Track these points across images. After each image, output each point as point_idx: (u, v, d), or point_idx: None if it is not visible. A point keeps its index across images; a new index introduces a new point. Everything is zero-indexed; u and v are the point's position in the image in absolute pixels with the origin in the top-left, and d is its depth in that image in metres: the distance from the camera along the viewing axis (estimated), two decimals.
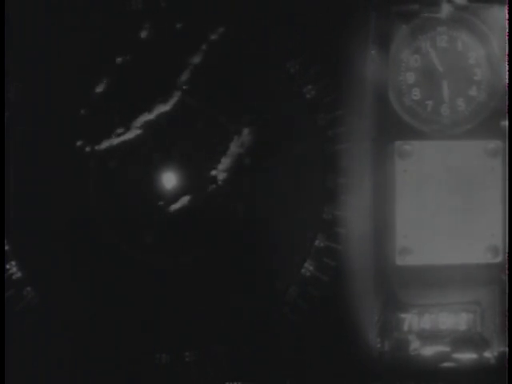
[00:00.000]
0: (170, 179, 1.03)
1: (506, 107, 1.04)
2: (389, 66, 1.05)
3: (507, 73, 1.04)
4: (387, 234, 1.06)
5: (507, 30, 1.03)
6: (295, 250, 1.05)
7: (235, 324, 1.05)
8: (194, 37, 1.03)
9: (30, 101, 1.02)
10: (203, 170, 1.04)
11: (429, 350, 1.08)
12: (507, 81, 1.04)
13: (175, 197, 1.03)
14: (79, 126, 1.02)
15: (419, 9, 1.05)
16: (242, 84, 1.04)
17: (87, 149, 1.02)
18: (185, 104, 1.03)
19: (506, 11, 1.04)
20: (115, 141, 1.02)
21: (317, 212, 1.05)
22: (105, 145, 1.02)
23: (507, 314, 1.02)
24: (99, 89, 1.02)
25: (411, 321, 1.07)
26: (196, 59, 1.03)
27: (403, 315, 1.07)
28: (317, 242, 1.05)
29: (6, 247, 1.01)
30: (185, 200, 1.03)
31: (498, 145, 1.07)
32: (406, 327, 1.08)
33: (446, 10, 1.05)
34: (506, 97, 1.04)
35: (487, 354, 1.08)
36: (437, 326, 1.08)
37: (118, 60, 1.02)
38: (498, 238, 1.07)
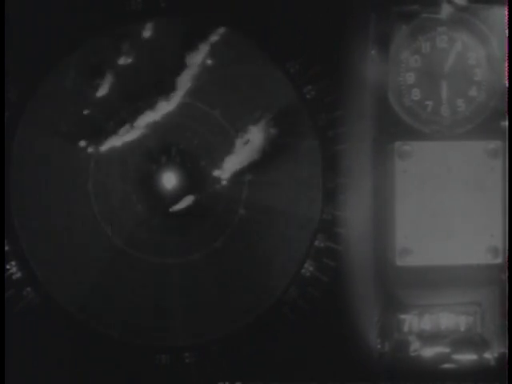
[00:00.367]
0: (170, 179, 1.03)
1: (506, 107, 1.04)
2: (389, 66, 1.05)
3: (507, 73, 1.04)
4: (387, 234, 1.06)
5: (507, 31, 1.03)
6: (295, 250, 1.05)
7: (235, 324, 1.05)
8: (193, 37, 1.03)
9: (30, 101, 1.02)
10: (204, 170, 1.04)
11: (429, 351, 1.08)
12: (507, 81, 1.04)
13: (176, 197, 1.03)
14: (79, 125, 1.02)
15: (419, 9, 1.05)
16: (242, 84, 1.04)
17: (87, 148, 1.02)
18: (187, 104, 1.03)
19: (506, 12, 1.04)
20: (117, 141, 1.02)
21: (317, 212, 1.05)
22: (106, 145, 1.02)
23: (507, 314, 1.02)
24: (100, 88, 1.02)
25: (411, 321, 1.07)
26: (196, 59, 1.03)
27: (403, 316, 1.07)
28: (317, 242, 1.05)
29: (6, 247, 1.01)
30: (185, 200, 1.03)
31: (498, 145, 1.07)
32: (406, 328, 1.07)
33: (445, 10, 1.05)
34: (506, 97, 1.04)
35: (487, 355, 1.08)
36: (437, 327, 1.08)
37: (118, 59, 1.02)
38: (498, 239, 1.07)
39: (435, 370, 1.07)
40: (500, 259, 1.07)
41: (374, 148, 1.06)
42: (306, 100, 1.04)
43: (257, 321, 1.05)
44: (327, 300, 1.05)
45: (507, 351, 1.04)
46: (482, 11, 1.06)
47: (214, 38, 1.03)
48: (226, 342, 1.05)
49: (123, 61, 1.02)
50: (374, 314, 1.07)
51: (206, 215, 1.04)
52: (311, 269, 1.05)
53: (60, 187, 1.02)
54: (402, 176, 1.06)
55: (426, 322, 1.08)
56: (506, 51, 1.03)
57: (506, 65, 1.04)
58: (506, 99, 1.04)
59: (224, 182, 1.04)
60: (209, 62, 1.03)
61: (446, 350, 1.08)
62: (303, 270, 1.05)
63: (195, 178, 1.04)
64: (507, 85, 1.04)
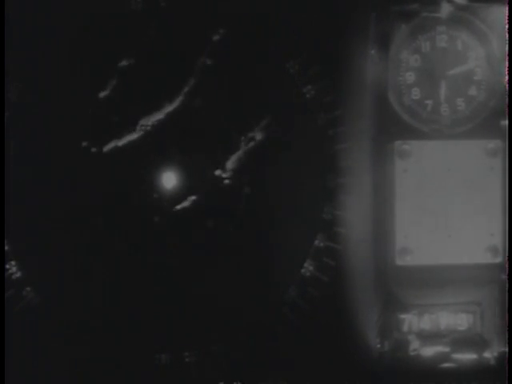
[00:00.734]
0: (172, 179, 1.03)
1: (506, 107, 1.04)
2: (388, 65, 1.05)
3: (507, 72, 1.04)
4: (387, 233, 1.06)
5: (507, 30, 1.03)
6: (295, 249, 1.05)
7: (235, 324, 1.05)
8: (193, 37, 1.03)
9: (30, 101, 1.02)
10: (204, 170, 1.04)
11: (428, 351, 1.08)
12: (507, 80, 1.04)
13: (177, 197, 1.03)
14: (79, 125, 1.02)
15: (419, 8, 1.05)
16: (242, 84, 1.04)
17: (88, 149, 1.02)
18: (189, 104, 1.03)
19: (506, 11, 1.04)
20: (118, 141, 1.02)
21: (317, 212, 1.05)
22: (107, 145, 1.02)
23: (507, 314, 1.02)
24: (100, 88, 1.02)
25: (411, 321, 1.07)
26: (196, 59, 1.03)
27: (403, 315, 1.07)
28: (317, 242, 1.05)
29: (6, 247, 1.01)
30: (185, 200, 1.03)
31: (497, 144, 1.07)
32: (405, 327, 1.08)
33: (445, 9, 1.05)
34: (506, 96, 1.04)
35: (487, 355, 1.08)
36: (437, 327, 1.08)
37: (118, 59, 1.02)
38: (498, 238, 1.07)
39: (435, 370, 1.08)
40: (500, 258, 1.07)
41: (374, 147, 1.06)
42: (306, 99, 1.04)
43: (257, 321, 1.05)
44: (327, 300, 1.05)
45: (507, 350, 1.04)
46: (481, 10, 1.06)
47: (214, 38, 1.03)
48: (226, 341, 1.05)
49: (126, 61, 1.02)
50: (373, 313, 1.07)
51: (203, 215, 1.04)
52: (311, 268, 1.05)
53: (60, 186, 1.02)
54: (401, 175, 1.06)
55: (426, 322, 1.08)
56: (506, 50, 1.04)
57: (506, 64, 1.05)
58: (506, 98, 1.04)
59: (226, 181, 1.03)
60: (208, 62, 1.03)
61: (446, 349, 1.08)
62: (303, 270, 1.05)
63: (197, 178, 1.04)
64: (507, 84, 1.04)
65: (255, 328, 1.05)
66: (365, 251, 1.05)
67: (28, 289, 1.02)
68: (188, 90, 1.03)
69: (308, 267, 1.05)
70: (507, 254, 1.05)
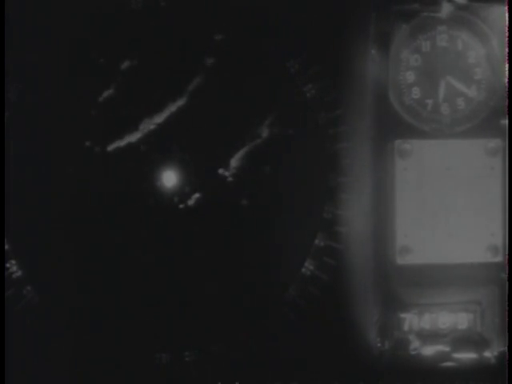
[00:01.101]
0: (173, 178, 1.03)
1: (506, 106, 1.04)
2: (389, 65, 1.05)
3: (507, 72, 1.04)
4: (387, 232, 1.06)
5: (507, 30, 1.03)
6: (295, 249, 1.05)
7: (235, 324, 1.05)
8: (193, 37, 1.03)
9: (30, 101, 1.02)
10: (205, 169, 1.04)
11: (429, 350, 1.08)
12: (507, 80, 1.04)
13: (176, 196, 1.03)
14: (80, 125, 1.02)
15: (419, 8, 1.05)
16: (242, 84, 1.04)
17: (88, 149, 1.02)
18: (188, 105, 1.03)
19: (506, 10, 1.04)
20: (120, 141, 1.02)
21: (317, 211, 1.05)
22: (108, 144, 1.02)
23: (507, 313, 1.02)
24: (100, 88, 1.02)
25: (411, 320, 1.08)
26: (196, 59, 1.03)
27: (403, 314, 1.07)
28: (317, 241, 1.05)
29: (6, 246, 1.01)
30: (185, 199, 1.03)
31: (497, 144, 1.07)
32: (406, 327, 1.08)
33: (446, 9, 1.06)
34: (506, 96, 1.04)
35: (487, 354, 1.08)
36: (437, 326, 1.08)
37: (118, 59, 1.02)
38: (498, 238, 1.07)
39: (435, 369, 1.08)
40: (500, 258, 1.07)
41: (374, 146, 1.06)
42: (306, 99, 1.05)
43: (257, 320, 1.05)
44: (327, 299, 1.05)
45: (507, 350, 1.04)
46: (482, 10, 1.06)
47: (214, 38, 1.03)
48: (226, 341, 1.05)
49: (126, 61, 1.02)
50: (374, 312, 1.07)
51: (203, 215, 1.04)
52: (311, 268, 1.05)
53: (60, 186, 1.02)
54: (402, 174, 1.06)
55: (426, 321, 1.08)
56: (506, 50, 1.04)
57: (506, 64, 1.05)
58: (506, 98, 1.04)
59: (227, 180, 1.03)
60: (210, 61, 1.03)
61: (446, 348, 1.08)
62: (303, 269, 1.05)
63: (198, 177, 1.04)
64: (507, 83, 1.04)
65: (255, 328, 1.05)
66: (365, 250, 1.05)
67: (28, 288, 1.02)
68: (188, 90, 1.03)
69: (308, 266, 1.05)
70: (507, 254, 1.05)
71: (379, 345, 1.07)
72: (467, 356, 1.08)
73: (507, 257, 1.05)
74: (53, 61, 1.01)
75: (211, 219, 1.03)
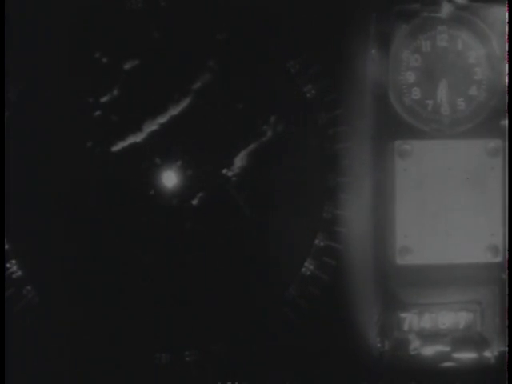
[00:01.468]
0: (175, 179, 1.03)
1: (506, 106, 1.04)
2: (389, 65, 1.05)
3: (507, 72, 1.04)
4: (387, 233, 1.06)
5: (507, 30, 1.03)
6: (295, 248, 1.05)
7: (235, 324, 1.05)
8: (193, 37, 1.03)
9: (30, 101, 1.02)
10: (205, 170, 1.04)
11: (429, 350, 1.08)
12: (507, 80, 1.04)
13: (177, 197, 1.03)
14: (80, 126, 1.02)
15: (419, 8, 1.05)
16: (243, 84, 1.04)
17: (89, 149, 1.02)
18: (194, 105, 1.03)
19: (506, 11, 1.04)
20: (122, 142, 1.02)
21: (317, 211, 1.05)
22: (109, 144, 1.02)
23: (507, 313, 1.02)
24: (100, 88, 1.02)
25: (411, 320, 1.08)
26: (196, 59, 1.03)
27: (403, 314, 1.07)
28: (317, 241, 1.05)
29: (6, 246, 1.01)
30: (185, 200, 1.03)
31: (498, 144, 1.07)
32: (406, 326, 1.08)
33: (446, 9, 1.06)
34: (506, 96, 1.04)
35: (487, 354, 1.08)
36: (437, 326, 1.08)
37: (118, 59, 1.02)
38: (498, 238, 1.07)
39: (435, 369, 1.08)
40: (500, 258, 1.07)
41: (374, 147, 1.06)
42: (307, 99, 1.05)
43: (257, 320, 1.05)
44: (327, 299, 1.05)
45: (507, 349, 1.05)
46: (482, 10, 1.06)
47: (213, 38, 1.03)
48: (226, 341, 1.05)
49: (126, 60, 1.02)
50: (374, 312, 1.07)
51: (203, 215, 1.04)
52: (311, 268, 1.05)
53: (60, 186, 1.02)
54: (402, 175, 1.06)
55: (426, 321, 1.08)
56: (506, 50, 1.04)
57: (506, 64, 1.05)
58: (506, 98, 1.04)
59: (227, 181, 1.03)
60: (210, 61, 1.03)
61: (446, 348, 1.08)
62: (303, 269, 1.05)
63: (198, 178, 1.04)
64: (507, 84, 1.04)
65: (255, 328, 1.05)
66: (365, 250, 1.05)
67: (28, 288, 1.02)
68: (188, 90, 1.03)
69: (308, 266, 1.05)
70: (507, 254, 1.05)
71: (379, 345, 1.07)
72: (467, 356, 1.08)
73: (507, 257, 1.05)
74: (52, 61, 1.01)
75: (211, 219, 1.03)
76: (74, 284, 1.02)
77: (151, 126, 1.02)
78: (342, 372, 1.05)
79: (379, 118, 1.06)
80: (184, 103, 1.03)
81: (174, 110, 1.03)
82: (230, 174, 1.03)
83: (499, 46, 1.06)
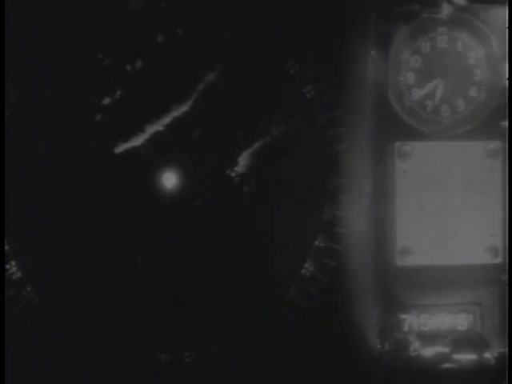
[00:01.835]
0: (171, 179, 1.03)
1: (506, 108, 1.04)
2: (389, 66, 1.05)
3: (507, 73, 1.04)
4: (387, 234, 1.06)
5: (507, 31, 1.03)
6: (295, 250, 1.05)
7: (235, 324, 1.05)
8: (193, 37, 1.03)
9: (30, 101, 1.02)
10: (204, 171, 1.04)
11: (429, 351, 1.08)
12: (507, 81, 1.04)
13: (176, 198, 1.03)
14: (80, 126, 1.02)
15: (419, 9, 1.05)
16: (242, 84, 1.04)
17: (89, 149, 1.02)
18: (198, 106, 1.03)
19: (507, 12, 1.04)
20: (124, 142, 1.02)
21: (317, 212, 1.05)
22: (109, 144, 1.02)
23: (507, 314, 1.02)
24: (99, 87, 1.02)
25: (411, 321, 1.08)
26: (195, 60, 1.03)
27: (403, 316, 1.08)
28: (317, 242, 1.05)
29: (6, 247, 1.01)
30: (185, 200, 1.03)
31: (497, 145, 1.07)
32: (406, 328, 1.08)
33: (446, 10, 1.06)
34: (506, 97, 1.04)
35: (487, 355, 1.08)
36: (437, 327, 1.08)
37: (118, 59, 1.02)
38: (498, 239, 1.07)
39: (435, 370, 1.08)
40: (500, 259, 1.08)
41: (374, 148, 1.06)
42: (306, 100, 1.05)
43: (257, 321, 1.05)
44: (327, 300, 1.05)
45: (507, 351, 1.05)
46: (482, 11, 1.06)
47: (214, 38, 1.03)
48: (226, 341, 1.05)
49: (133, 64, 1.02)
50: (374, 313, 1.07)
51: (206, 215, 1.04)
52: (311, 269, 1.05)
53: (60, 187, 1.02)
54: (402, 176, 1.06)
55: (426, 322, 1.08)
56: (506, 51, 1.04)
57: (506, 65, 1.05)
58: (506, 99, 1.04)
59: (237, 179, 1.03)
60: (210, 62, 1.03)
61: (446, 349, 1.08)
62: (303, 270, 1.05)
63: (198, 178, 1.04)
64: (507, 85, 1.04)
65: (255, 328, 1.05)
66: (365, 252, 1.05)
67: (28, 289, 1.02)
68: (186, 90, 1.03)
69: (308, 267, 1.05)
70: (507, 255, 1.05)
71: (379, 346, 1.07)
72: (467, 357, 1.08)
73: (507, 258, 1.05)
74: (52, 61, 1.01)
75: (212, 220, 1.03)
76: (73, 285, 1.02)
77: (154, 128, 1.02)
78: (342, 373, 1.05)
79: (379, 119, 1.06)
80: (183, 105, 1.03)
81: (176, 111, 1.03)
82: (230, 175, 1.03)
83: (499, 47, 1.06)
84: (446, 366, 1.08)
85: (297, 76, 1.04)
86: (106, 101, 1.02)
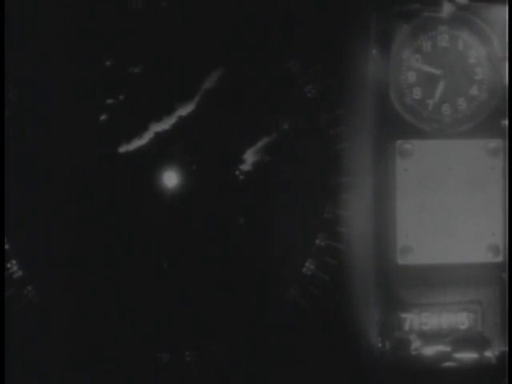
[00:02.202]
0: (171, 179, 1.03)
1: (507, 106, 1.04)
2: (390, 65, 1.05)
3: (508, 72, 1.05)
4: (388, 233, 1.06)
5: (508, 30, 1.03)
6: (296, 248, 1.05)
7: (236, 323, 1.05)
8: (194, 37, 1.03)
9: (30, 101, 1.02)
10: (204, 171, 1.04)
11: (430, 350, 1.08)
12: (508, 80, 1.04)
13: (175, 197, 1.03)
14: (80, 126, 1.02)
15: (420, 8, 1.05)
16: (243, 84, 1.04)
17: (89, 149, 1.02)
18: (201, 107, 1.03)
19: (507, 10, 1.04)
20: (127, 143, 1.02)
21: (318, 211, 1.05)
22: (109, 144, 1.02)
23: (508, 313, 1.02)
24: (99, 87, 1.02)
25: (412, 320, 1.08)
26: (195, 60, 1.03)
27: (404, 314, 1.08)
28: (318, 241, 1.05)
29: (6, 246, 1.01)
30: (185, 200, 1.03)
31: (498, 144, 1.07)
32: (406, 327, 1.08)
33: (447, 9, 1.06)
34: (507, 96, 1.04)
35: (488, 354, 1.08)
36: (438, 326, 1.08)
37: (118, 58, 1.02)
38: (499, 238, 1.07)
39: (436, 369, 1.08)
40: (500, 258, 1.07)
41: (375, 147, 1.06)
42: (307, 99, 1.05)
43: (257, 320, 1.05)
44: (328, 299, 1.05)
45: (508, 350, 1.05)
46: (483, 10, 1.06)
47: (214, 38, 1.03)
48: (226, 341, 1.05)
49: (135, 64, 1.02)
50: (374, 312, 1.07)
51: (203, 215, 1.04)
52: (312, 267, 1.05)
53: (61, 187, 1.02)
54: (403, 174, 1.06)
55: (427, 321, 1.08)
56: (507, 50, 1.04)
57: (507, 63, 1.05)
58: (507, 98, 1.04)
59: (239, 178, 1.03)
60: (210, 62, 1.03)
61: (447, 348, 1.08)
62: (304, 269, 1.05)
63: (192, 179, 1.04)
64: (508, 84, 1.04)
65: (255, 328, 1.05)
66: (366, 250, 1.05)
67: (29, 288, 1.02)
68: (186, 90, 1.03)
69: (309, 266, 1.05)
70: (508, 254, 1.05)
71: (380, 345, 1.07)
72: (468, 356, 1.08)
73: (508, 257, 1.05)
74: (52, 61, 1.01)
75: (212, 219, 1.03)
76: (74, 284, 1.02)
77: (156, 127, 1.02)
78: (343, 372, 1.05)
79: (380, 117, 1.06)
80: (185, 103, 1.03)
81: (176, 111, 1.03)
82: (232, 173, 1.03)
83: (500, 46, 1.06)
84: (447, 364, 1.08)
85: (298, 75, 1.04)
86: (107, 101, 1.02)
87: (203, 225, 1.04)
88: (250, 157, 1.03)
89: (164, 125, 1.02)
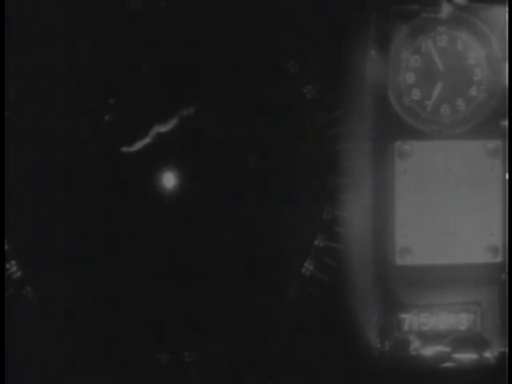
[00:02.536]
0: (170, 179, 1.04)
1: (506, 107, 1.04)
2: (388, 66, 1.05)
3: (507, 73, 1.04)
4: (387, 233, 1.06)
5: (507, 30, 1.03)
6: (295, 249, 1.05)
7: (235, 324, 1.05)
8: (193, 38, 1.03)
9: (30, 101, 1.02)
10: (205, 170, 1.04)
11: (429, 350, 1.08)
12: (507, 81, 1.04)
13: (175, 198, 1.03)
14: (80, 126, 1.02)
15: (419, 9, 1.05)
16: (242, 84, 1.04)
17: (89, 149, 1.02)
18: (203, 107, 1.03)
19: (507, 11, 1.04)
20: (126, 144, 1.02)
21: (317, 211, 1.05)
22: (108, 144, 1.02)
23: (507, 314, 1.02)
24: (99, 87, 1.02)
25: (411, 321, 1.08)
26: (195, 60, 1.03)
27: (403, 315, 1.08)
28: (317, 242, 1.05)
29: (6, 246, 1.01)
30: (185, 200, 1.03)
31: (497, 145, 1.07)
32: (406, 327, 1.08)
33: (446, 9, 1.06)
34: (506, 97, 1.04)
35: (487, 354, 1.08)
36: (437, 326, 1.08)
37: (118, 59, 1.02)
38: (498, 238, 1.07)
39: (435, 369, 1.08)
40: (500, 258, 1.07)
41: (374, 147, 1.06)
42: (306, 100, 1.05)
43: (257, 321, 1.05)
44: (327, 299, 1.05)
45: (507, 350, 1.05)
46: (482, 10, 1.06)
47: (214, 38, 1.03)
48: (225, 341, 1.05)
49: (135, 64, 1.02)
50: (373, 313, 1.07)
51: (203, 215, 1.04)
52: (311, 268, 1.05)
53: (61, 187, 1.02)
54: (401, 175, 1.06)
55: (426, 321, 1.08)
56: (506, 51, 1.04)
57: (506, 64, 1.05)
58: (506, 99, 1.04)
59: (241, 178, 1.03)
60: (207, 62, 1.03)
61: (446, 349, 1.08)
62: (303, 270, 1.05)
63: (192, 180, 1.04)
64: (507, 84, 1.04)
65: (255, 328, 1.05)
66: (365, 251, 1.05)
67: (28, 288, 1.02)
68: (186, 91, 1.03)
69: (308, 267, 1.05)
70: (507, 254, 1.05)
71: (379, 345, 1.07)
72: (467, 356, 1.08)
73: (507, 257, 1.05)
74: (52, 61, 1.01)
75: (211, 220, 1.03)
76: (74, 285, 1.02)
77: (156, 129, 1.02)
78: (342, 372, 1.05)
79: (379, 118, 1.06)
80: (183, 105, 1.03)
81: (175, 112, 1.03)
82: (230, 174, 1.03)
83: (499, 47, 1.06)
84: (446, 365, 1.08)
85: (297, 76, 1.04)
86: (107, 101, 1.02)
87: (203, 225, 1.04)
88: (249, 157, 1.03)
89: (164, 125, 1.02)
